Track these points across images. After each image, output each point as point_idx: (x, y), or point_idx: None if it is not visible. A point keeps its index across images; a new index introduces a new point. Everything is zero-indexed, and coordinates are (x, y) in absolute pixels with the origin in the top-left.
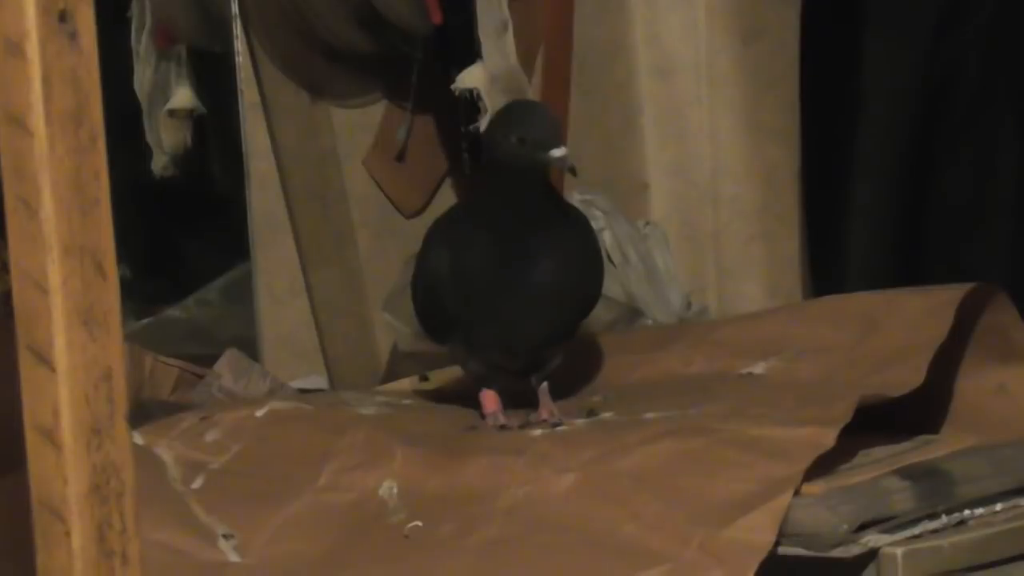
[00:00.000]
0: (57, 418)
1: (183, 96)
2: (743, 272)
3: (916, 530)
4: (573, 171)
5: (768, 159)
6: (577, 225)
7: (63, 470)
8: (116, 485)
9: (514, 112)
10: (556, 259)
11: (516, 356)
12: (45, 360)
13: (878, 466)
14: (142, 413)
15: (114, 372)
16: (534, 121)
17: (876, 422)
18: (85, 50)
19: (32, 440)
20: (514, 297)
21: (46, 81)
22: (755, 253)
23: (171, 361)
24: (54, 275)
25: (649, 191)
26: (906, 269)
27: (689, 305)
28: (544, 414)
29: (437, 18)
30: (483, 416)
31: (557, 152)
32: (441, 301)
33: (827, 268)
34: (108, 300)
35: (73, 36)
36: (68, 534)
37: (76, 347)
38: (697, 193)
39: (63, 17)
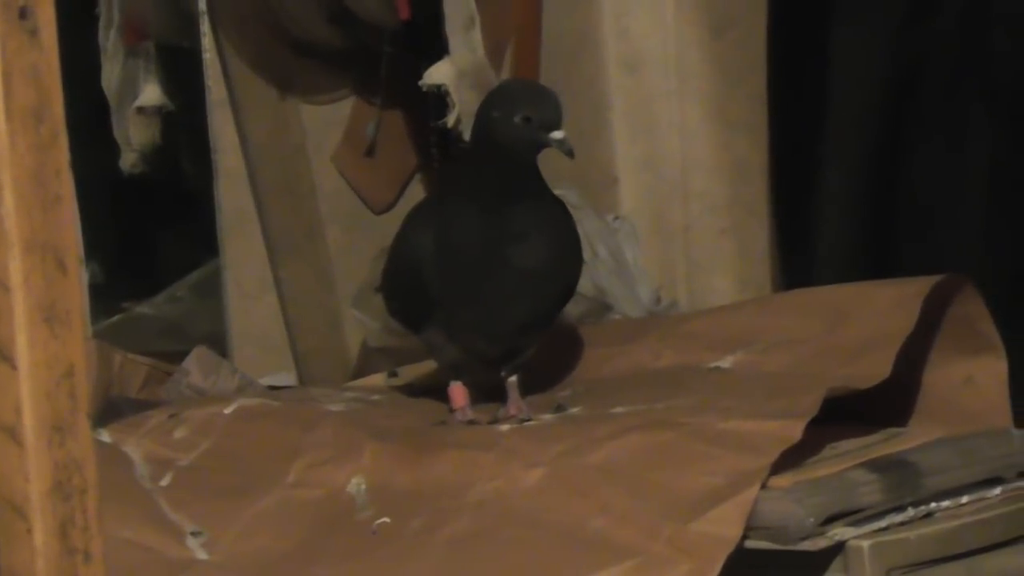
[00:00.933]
0: (19, 415)
1: (152, 93)
2: (713, 266)
3: (883, 523)
4: (571, 153)
5: (737, 153)
6: (561, 210)
7: (25, 467)
8: (79, 482)
9: (517, 91)
10: (543, 241)
11: (497, 341)
12: (7, 357)
13: (845, 459)
14: (111, 410)
15: (76, 369)
16: (540, 101)
17: (844, 415)
18: (46, 47)
19: None
20: (502, 276)
21: (6, 78)
22: (725, 247)
23: (140, 358)
24: (15, 272)
25: (619, 185)
26: (875, 261)
27: (659, 299)
28: (512, 409)
29: (405, 13)
30: (452, 411)
31: (558, 134)
32: (424, 282)
33: (796, 261)
34: (70, 297)
35: (34, 33)
36: (30, 531)
37: (38, 344)
38: (666, 187)
39: (23, 14)
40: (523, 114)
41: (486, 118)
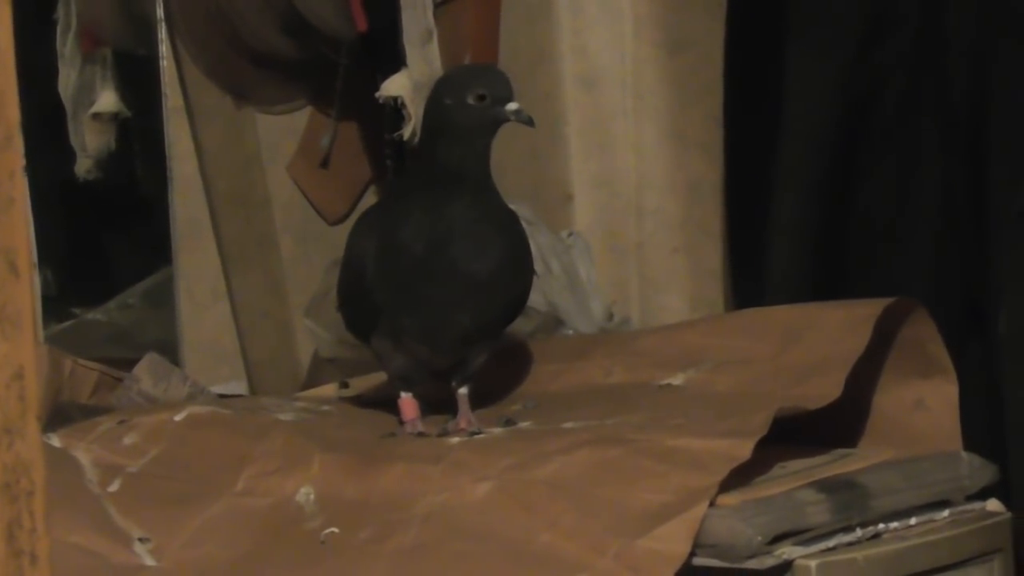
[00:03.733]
0: None
1: (107, 99)
2: (666, 283)
3: (831, 543)
4: (531, 122)
5: (692, 171)
6: (511, 218)
7: None
8: (26, 484)
9: (464, 73)
10: (492, 246)
11: (441, 350)
12: None
13: (794, 478)
14: (60, 416)
15: (26, 371)
16: (490, 78)
17: (794, 435)
18: (0, 49)
19: None
20: (446, 282)
21: None
22: (678, 265)
23: (90, 364)
24: None
25: (573, 202)
26: (827, 283)
27: (611, 316)
28: (462, 423)
29: (362, 25)
30: (402, 423)
31: (513, 106)
32: (367, 288)
33: (749, 281)
34: (21, 299)
35: None
36: None
37: None
38: (621, 204)
39: None
40: (476, 93)
41: (438, 108)
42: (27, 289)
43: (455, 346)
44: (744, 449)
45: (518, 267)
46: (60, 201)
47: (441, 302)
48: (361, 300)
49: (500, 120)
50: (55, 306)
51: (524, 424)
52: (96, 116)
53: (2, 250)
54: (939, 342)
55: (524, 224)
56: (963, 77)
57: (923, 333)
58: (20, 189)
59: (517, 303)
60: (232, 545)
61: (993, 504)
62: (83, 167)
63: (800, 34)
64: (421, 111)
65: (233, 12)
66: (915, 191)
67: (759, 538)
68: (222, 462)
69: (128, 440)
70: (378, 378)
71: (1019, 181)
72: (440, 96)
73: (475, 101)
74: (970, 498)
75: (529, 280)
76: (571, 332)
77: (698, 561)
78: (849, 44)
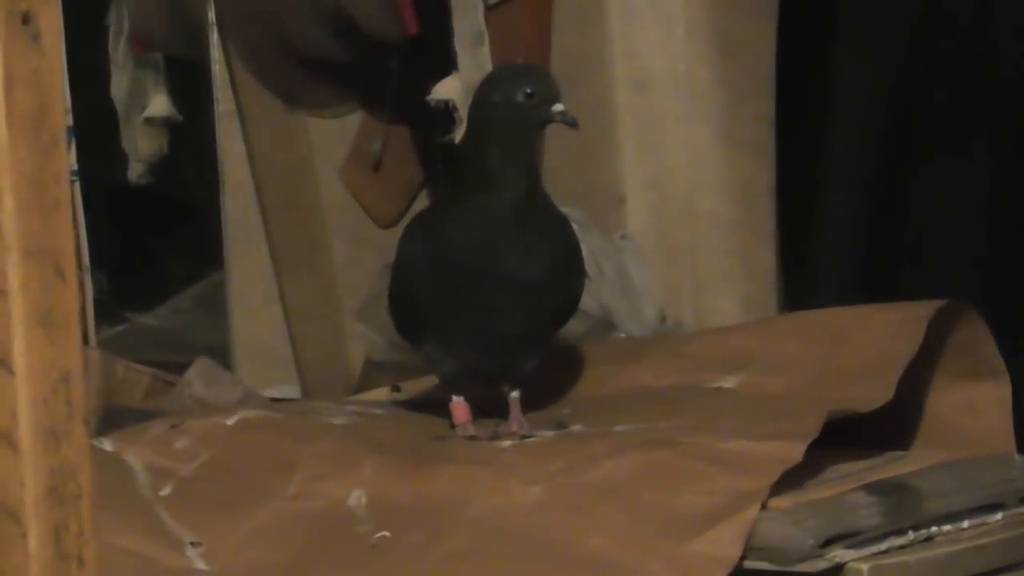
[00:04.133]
0: (15, 420)
1: (160, 104)
2: (718, 286)
3: (882, 546)
4: (575, 124)
5: (744, 173)
6: (562, 221)
7: (20, 473)
8: (73, 488)
9: (512, 72)
10: (543, 250)
11: (490, 354)
12: (3, 362)
13: (845, 481)
14: (112, 420)
15: (72, 375)
16: (538, 77)
17: (846, 437)
18: (48, 52)
19: None
20: (495, 286)
21: (8, 83)
22: (730, 267)
23: (142, 368)
24: (13, 277)
25: (625, 204)
26: (878, 285)
27: (663, 319)
28: (514, 426)
29: (412, 28)
30: (453, 426)
31: (559, 107)
32: (416, 292)
33: (801, 283)
34: (67, 303)
35: (36, 38)
36: (24, 536)
37: (34, 350)
38: (673, 207)
39: (26, 19)
40: (524, 90)
41: (486, 105)
42: (73, 293)
43: (505, 350)
44: (795, 452)
45: (568, 270)
46: (112, 205)
47: (490, 307)
48: (411, 304)
49: (546, 119)
50: (107, 310)
51: (575, 427)
52: (148, 121)
53: (48, 253)
54: (991, 344)
55: (576, 227)
56: (1012, 77)
57: (975, 335)
58: (66, 193)
59: (568, 307)
60: (283, 549)
61: None
62: (135, 171)
63: (850, 35)
64: None
65: (283, 16)
66: (965, 191)
67: (811, 541)
68: (273, 466)
69: (180, 444)
70: (430, 381)
71: None
72: (487, 93)
73: (523, 99)
74: (1023, 500)
75: (580, 283)
76: (623, 335)
77: (749, 564)
78: (898, 44)
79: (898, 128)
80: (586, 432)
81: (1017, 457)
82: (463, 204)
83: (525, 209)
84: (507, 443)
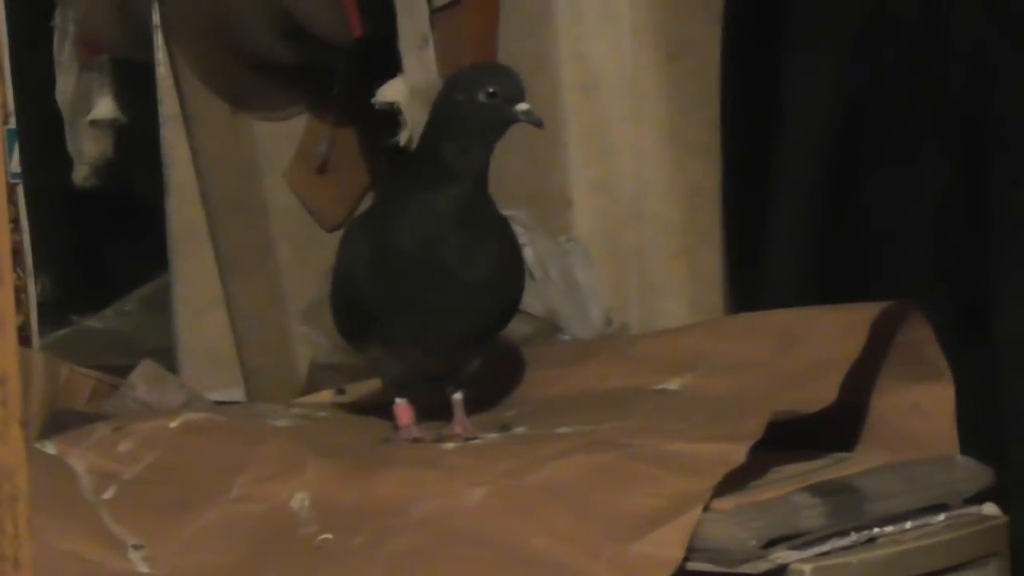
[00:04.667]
0: None
1: (105, 106)
2: (665, 289)
3: (826, 547)
4: (540, 123)
5: (691, 176)
6: (504, 224)
7: None
8: (9, 489)
9: (478, 71)
10: (487, 250)
11: (434, 355)
12: None
13: (789, 482)
14: (56, 423)
15: (8, 376)
16: (502, 76)
17: (789, 439)
18: None
19: None
20: (440, 286)
21: None
22: (677, 270)
23: (86, 371)
24: None
25: (572, 207)
26: (824, 287)
27: (610, 321)
28: (458, 428)
29: (357, 31)
30: (397, 429)
31: (523, 106)
32: (359, 293)
33: (748, 285)
34: (3, 305)
35: None
36: None
37: None
38: (620, 209)
39: None
40: (487, 90)
41: (448, 104)
42: (9, 295)
43: (448, 350)
44: (738, 453)
45: (512, 271)
46: (57, 208)
47: (434, 306)
48: (354, 305)
49: (509, 119)
50: (52, 313)
51: (520, 429)
52: (93, 123)
53: None
54: (936, 345)
55: (522, 229)
56: (962, 77)
57: (920, 336)
58: (2, 195)
59: (510, 307)
60: (227, 552)
61: (989, 508)
62: (80, 174)
63: (797, 35)
64: (417, 117)
65: (229, 18)
66: (914, 192)
67: (753, 542)
68: (217, 469)
69: (123, 447)
70: (375, 384)
71: (1019, 182)
72: (451, 92)
73: (486, 98)
74: (967, 501)
75: (522, 285)
76: (569, 338)
77: (692, 566)
78: (846, 44)
79: (847, 128)
80: (531, 434)
81: (960, 459)
82: (408, 203)
83: (470, 209)
84: (451, 445)
